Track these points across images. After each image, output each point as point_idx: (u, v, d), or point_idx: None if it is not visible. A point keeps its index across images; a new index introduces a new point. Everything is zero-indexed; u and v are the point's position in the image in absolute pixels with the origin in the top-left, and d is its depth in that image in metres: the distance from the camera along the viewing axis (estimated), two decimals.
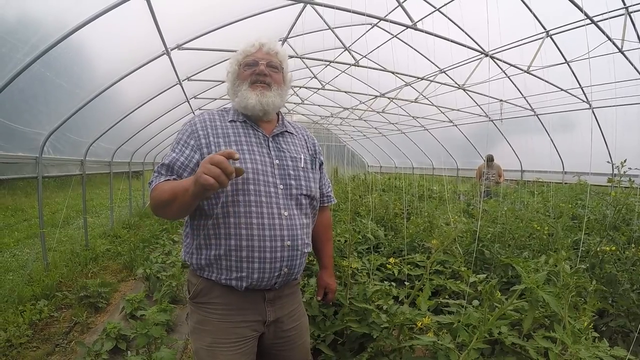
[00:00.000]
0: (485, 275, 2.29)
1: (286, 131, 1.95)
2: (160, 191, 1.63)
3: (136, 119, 8.32)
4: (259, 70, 1.81)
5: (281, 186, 1.78)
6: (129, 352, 3.79)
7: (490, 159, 10.57)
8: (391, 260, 2.95)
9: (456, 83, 8.92)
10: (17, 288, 5.11)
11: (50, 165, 6.11)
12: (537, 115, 10.24)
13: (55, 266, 5.99)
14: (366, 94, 10.78)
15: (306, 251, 1.85)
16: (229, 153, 1.37)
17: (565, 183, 9.98)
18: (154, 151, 13.03)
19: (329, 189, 2.20)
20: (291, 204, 1.79)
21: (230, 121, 1.85)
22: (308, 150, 2.01)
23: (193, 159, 1.73)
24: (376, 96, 10.89)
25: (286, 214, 1.75)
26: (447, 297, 2.77)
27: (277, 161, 1.81)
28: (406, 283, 2.86)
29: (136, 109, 7.54)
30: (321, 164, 2.09)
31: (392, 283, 2.88)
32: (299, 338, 1.95)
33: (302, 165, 1.89)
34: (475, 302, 2.21)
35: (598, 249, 3.22)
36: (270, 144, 1.85)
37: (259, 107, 1.79)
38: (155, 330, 3.56)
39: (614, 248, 3.13)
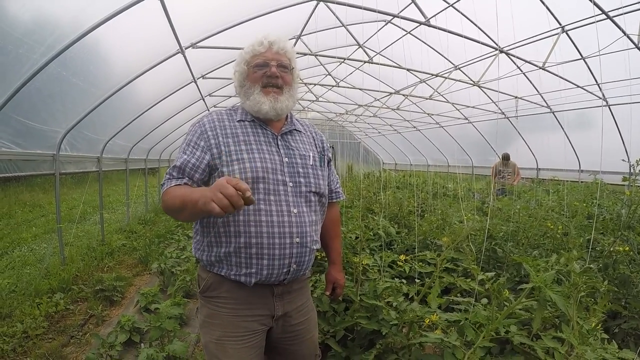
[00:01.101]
0: (494, 273, 2.28)
1: (295, 129, 1.97)
2: (172, 197, 1.65)
3: (152, 117, 8.40)
4: (271, 73, 1.81)
5: (290, 184, 1.80)
6: (142, 344, 3.86)
7: (506, 157, 10.45)
8: (401, 257, 2.96)
9: (471, 80, 8.85)
10: (34, 281, 5.23)
11: (67, 162, 6.22)
12: (553, 113, 10.11)
13: (72, 260, 6.11)
14: (380, 91, 10.73)
15: (315, 248, 1.86)
16: (242, 189, 1.32)
17: (582, 181, 9.85)
18: (170, 148, 13.12)
19: (337, 185, 2.21)
20: (300, 202, 1.81)
21: (239, 121, 1.87)
22: (316, 148, 2.02)
23: (204, 160, 1.75)
24: (390, 93, 10.85)
25: (295, 211, 1.77)
26: (458, 294, 2.77)
27: (286, 159, 1.83)
28: (417, 280, 2.87)
29: (152, 107, 7.62)
30: (329, 161, 2.10)
31: (403, 280, 2.89)
32: (307, 332, 1.97)
33: (311, 163, 1.90)
34: (484, 301, 2.21)
35: (612, 249, 3.19)
36: (279, 142, 1.86)
37: (272, 112, 1.81)
38: (168, 324, 3.62)
39: (627, 248, 3.10)
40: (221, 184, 1.33)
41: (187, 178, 1.74)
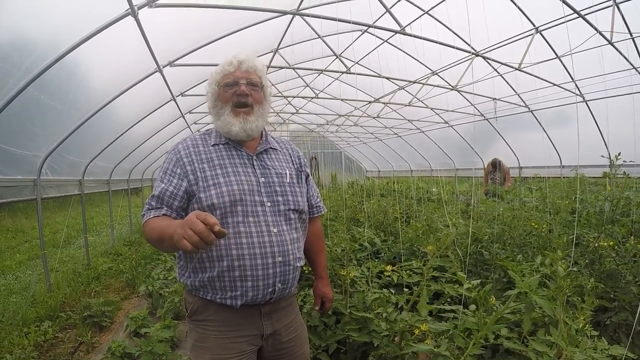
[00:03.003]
0: (480, 280, 2.29)
1: (270, 147, 1.98)
2: (150, 230, 1.65)
3: (133, 136, 8.34)
4: (240, 91, 1.83)
5: (268, 203, 1.80)
6: None
7: (494, 165, 10.50)
8: (388, 267, 2.96)
9: (449, 84, 8.94)
10: (20, 310, 5.13)
11: (48, 187, 6.14)
12: (531, 112, 10.24)
13: (58, 287, 6.01)
14: (360, 100, 10.79)
15: (298, 265, 1.87)
16: (211, 223, 1.28)
17: (564, 177, 9.98)
18: (152, 167, 13.04)
19: (318, 200, 2.21)
20: (280, 220, 1.81)
21: (213, 145, 1.88)
22: (293, 164, 2.03)
23: (181, 187, 1.76)
24: (370, 102, 10.90)
25: (275, 230, 1.77)
26: (448, 300, 2.78)
27: (262, 179, 1.84)
28: (405, 289, 2.88)
29: (132, 127, 7.56)
30: (307, 176, 2.11)
31: (392, 290, 2.89)
32: (298, 349, 1.97)
33: (288, 181, 1.91)
34: (473, 307, 2.22)
35: (596, 244, 3.23)
36: (255, 162, 1.88)
37: (242, 133, 1.82)
38: (159, 347, 3.58)
39: (612, 243, 3.14)
40: (190, 220, 1.30)
41: (165, 207, 1.74)
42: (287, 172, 1.94)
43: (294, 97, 11.07)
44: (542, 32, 6.82)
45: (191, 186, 1.76)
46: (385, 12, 6.30)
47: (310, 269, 2.37)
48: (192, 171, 1.78)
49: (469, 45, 7.31)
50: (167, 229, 1.50)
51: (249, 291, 1.72)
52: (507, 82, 9.02)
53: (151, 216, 1.71)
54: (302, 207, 1.93)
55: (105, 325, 5.01)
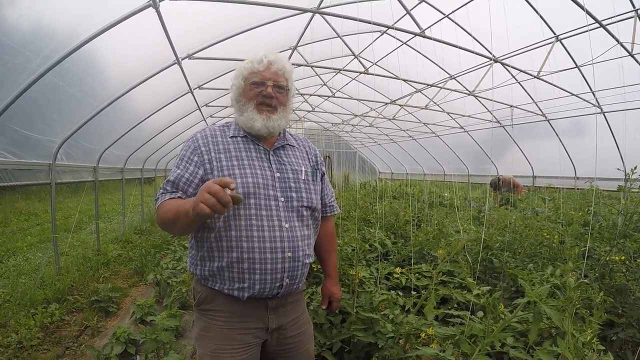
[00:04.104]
0: (489, 287, 2.28)
1: (287, 144, 1.99)
2: (165, 210, 1.68)
3: (148, 127, 8.41)
4: (267, 93, 1.83)
5: (282, 199, 1.81)
6: (138, 356, 3.83)
7: (492, 185, 10.34)
8: (397, 270, 2.96)
9: (466, 89, 8.88)
10: (29, 291, 5.20)
11: (63, 172, 6.21)
12: (548, 121, 10.14)
13: (67, 270, 6.09)
14: (376, 101, 10.75)
15: (307, 262, 1.87)
16: (225, 182, 1.38)
17: (578, 188, 9.88)
18: (166, 158, 13.12)
19: (332, 199, 2.21)
20: (292, 216, 1.82)
21: (232, 137, 1.89)
22: (309, 162, 2.03)
23: (197, 175, 1.77)
24: (386, 103, 10.86)
25: (287, 225, 1.78)
26: (455, 305, 2.77)
27: (277, 174, 1.85)
28: (413, 292, 2.87)
29: (148, 117, 7.62)
30: (323, 175, 2.11)
31: (399, 292, 2.89)
32: (303, 345, 1.98)
33: (303, 178, 1.92)
34: (480, 314, 2.21)
35: (608, 258, 3.20)
36: (271, 158, 1.88)
37: (264, 130, 1.83)
38: (164, 336, 3.60)
39: (623, 257, 3.11)
40: (207, 185, 1.39)
41: (180, 192, 1.76)
42: (303, 169, 1.95)
43: (311, 95, 11.06)
44: (562, 40, 6.75)
45: (206, 174, 1.77)
46: (405, 14, 6.28)
47: (319, 266, 2.37)
48: (208, 160, 1.79)
49: (488, 50, 7.26)
50: (184, 205, 1.56)
51: (256, 284, 1.73)
52: (525, 90, 8.94)
53: (166, 198, 1.74)
54: (315, 204, 1.94)
55: (112, 311, 5.06)
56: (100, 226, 8.79)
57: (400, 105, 10.78)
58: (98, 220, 8.06)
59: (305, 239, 1.86)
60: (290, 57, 7.56)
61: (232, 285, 1.75)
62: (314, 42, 7.40)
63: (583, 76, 7.58)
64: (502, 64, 7.36)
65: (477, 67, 7.84)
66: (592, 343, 1.78)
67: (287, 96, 1.93)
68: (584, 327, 1.93)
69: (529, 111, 9.87)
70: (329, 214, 2.19)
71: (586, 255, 3.08)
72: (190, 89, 7.35)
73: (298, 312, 1.98)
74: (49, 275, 5.82)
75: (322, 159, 2.14)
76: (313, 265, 2.88)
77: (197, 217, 1.43)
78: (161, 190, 1.79)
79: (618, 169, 3.98)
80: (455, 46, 6.26)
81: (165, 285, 5.35)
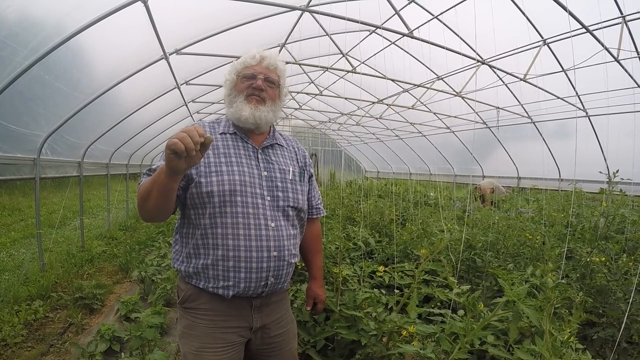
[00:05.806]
0: (469, 286, 2.31)
1: (277, 143, 1.99)
2: (143, 187, 1.63)
3: (134, 122, 8.35)
4: (256, 85, 1.84)
5: (268, 197, 1.81)
6: (122, 353, 3.83)
7: (480, 198, 10.33)
8: (381, 268, 2.98)
9: (453, 90, 8.95)
10: (12, 288, 5.14)
11: (47, 167, 6.14)
12: (533, 123, 10.28)
13: (51, 267, 6.03)
14: (363, 100, 10.80)
15: (293, 261, 1.88)
16: (195, 127, 1.38)
17: (562, 190, 10.02)
18: (152, 154, 13.04)
19: (319, 201, 2.22)
20: (278, 215, 1.82)
21: (221, 133, 1.89)
22: (298, 163, 2.04)
23: None
24: (374, 102, 10.92)
25: (273, 225, 1.79)
26: (438, 304, 2.81)
27: (265, 173, 1.85)
28: (396, 291, 2.90)
29: (134, 112, 7.57)
30: (311, 176, 2.12)
31: (383, 290, 2.91)
32: (286, 344, 1.98)
33: (290, 178, 1.92)
34: (462, 312, 2.24)
35: (589, 259, 3.25)
36: (260, 156, 1.88)
37: (251, 119, 1.83)
38: (149, 333, 3.59)
39: (603, 259, 3.16)
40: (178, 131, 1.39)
41: None
42: (291, 169, 1.95)
43: (298, 93, 11.07)
44: (549, 44, 6.84)
45: (190, 169, 1.72)
46: (394, 14, 6.31)
47: (303, 264, 2.38)
48: None
49: (476, 52, 7.33)
50: (159, 171, 1.52)
51: (241, 282, 1.73)
52: (512, 92, 9.05)
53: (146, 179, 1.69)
54: (302, 205, 1.94)
55: (96, 308, 5.03)
56: (85, 222, 8.72)
57: (387, 104, 10.84)
58: (82, 216, 7.99)
59: (291, 238, 1.86)
60: (279, 54, 7.56)
61: (217, 284, 1.75)
62: (302, 40, 7.41)
63: (569, 80, 7.70)
64: (490, 65, 7.44)
65: (464, 69, 7.92)
66: (571, 342, 1.82)
67: (278, 92, 1.95)
68: (563, 326, 1.97)
69: (515, 113, 9.99)
70: (315, 216, 2.20)
71: (567, 256, 3.13)
72: (177, 84, 7.33)
73: (282, 312, 1.99)
74: (33, 272, 5.76)
75: (310, 160, 2.15)
76: (297, 264, 2.90)
77: (170, 163, 1.39)
78: (144, 176, 1.74)
79: (600, 172, 4.04)
80: (443, 47, 6.32)
81: (150, 282, 5.32)
